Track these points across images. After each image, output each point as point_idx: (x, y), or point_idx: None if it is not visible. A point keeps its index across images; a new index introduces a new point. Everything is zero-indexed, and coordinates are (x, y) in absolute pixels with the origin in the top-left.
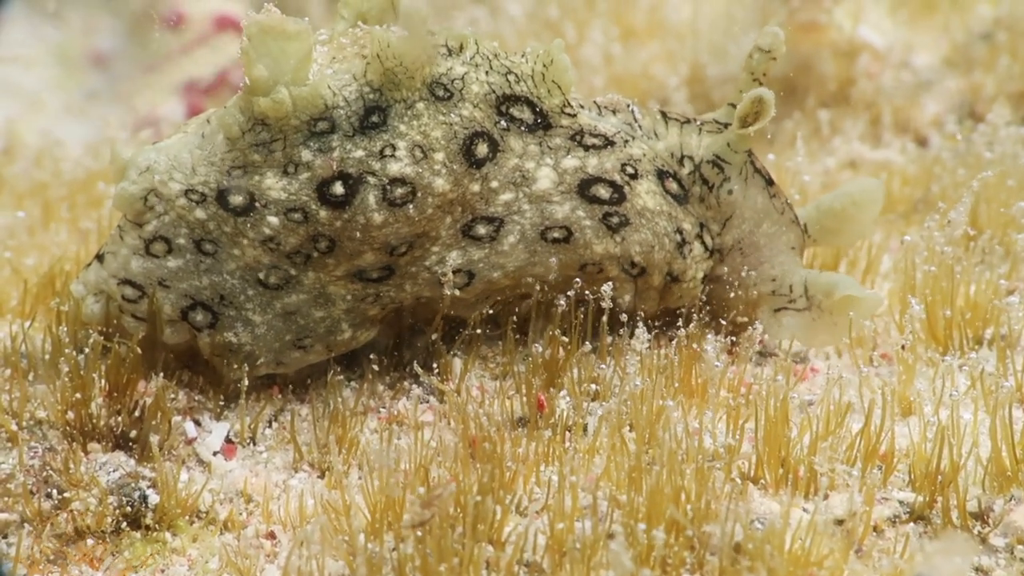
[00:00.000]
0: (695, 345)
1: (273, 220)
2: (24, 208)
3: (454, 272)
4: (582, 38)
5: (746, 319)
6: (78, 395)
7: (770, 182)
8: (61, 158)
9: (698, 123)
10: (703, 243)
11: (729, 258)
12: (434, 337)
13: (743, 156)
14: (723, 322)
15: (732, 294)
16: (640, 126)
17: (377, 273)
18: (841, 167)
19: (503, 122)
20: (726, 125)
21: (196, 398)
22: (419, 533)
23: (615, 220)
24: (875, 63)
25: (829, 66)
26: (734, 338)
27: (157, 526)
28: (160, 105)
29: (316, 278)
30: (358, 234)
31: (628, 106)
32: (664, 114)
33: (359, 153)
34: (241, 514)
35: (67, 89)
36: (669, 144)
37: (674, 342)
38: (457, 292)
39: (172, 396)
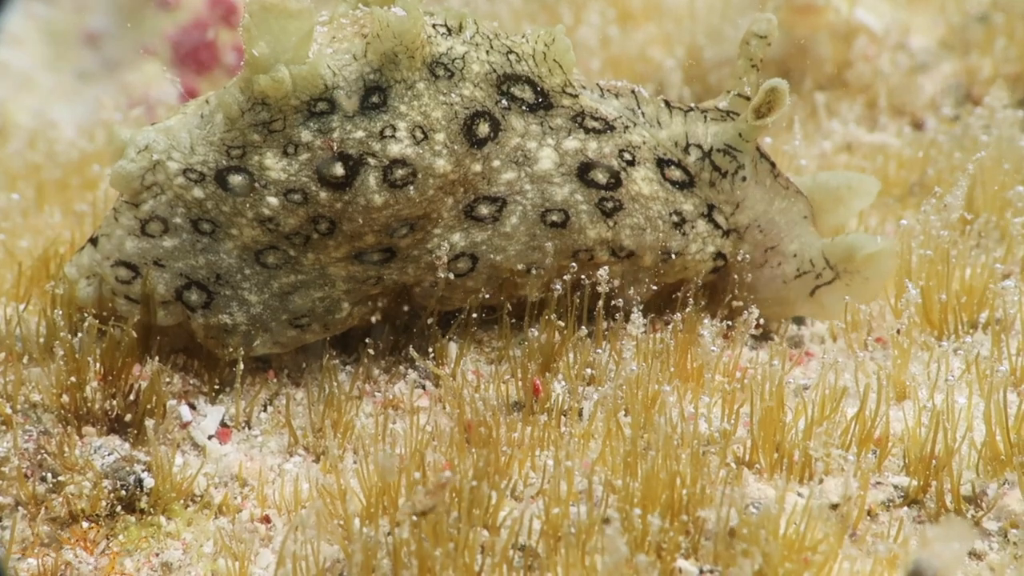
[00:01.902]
0: (693, 329)
1: (272, 200)
2: (17, 190)
3: (457, 257)
4: (579, 20)
5: (742, 303)
6: (73, 378)
7: (773, 164)
8: (55, 139)
9: (702, 111)
10: (711, 221)
11: (748, 235)
12: (430, 322)
13: (754, 144)
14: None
15: (762, 286)
16: (643, 113)
17: (378, 256)
18: (837, 150)
19: (504, 101)
20: (728, 113)
21: (191, 382)
22: (414, 516)
23: (609, 205)
24: (872, 45)
25: (826, 48)
26: (730, 322)
27: (152, 510)
28: (154, 86)
29: (315, 259)
30: (359, 216)
31: (632, 92)
32: (667, 103)
33: (359, 134)
34: (236, 498)
35: (58, 69)
36: (673, 133)
37: (670, 327)
38: (451, 276)
39: (167, 380)
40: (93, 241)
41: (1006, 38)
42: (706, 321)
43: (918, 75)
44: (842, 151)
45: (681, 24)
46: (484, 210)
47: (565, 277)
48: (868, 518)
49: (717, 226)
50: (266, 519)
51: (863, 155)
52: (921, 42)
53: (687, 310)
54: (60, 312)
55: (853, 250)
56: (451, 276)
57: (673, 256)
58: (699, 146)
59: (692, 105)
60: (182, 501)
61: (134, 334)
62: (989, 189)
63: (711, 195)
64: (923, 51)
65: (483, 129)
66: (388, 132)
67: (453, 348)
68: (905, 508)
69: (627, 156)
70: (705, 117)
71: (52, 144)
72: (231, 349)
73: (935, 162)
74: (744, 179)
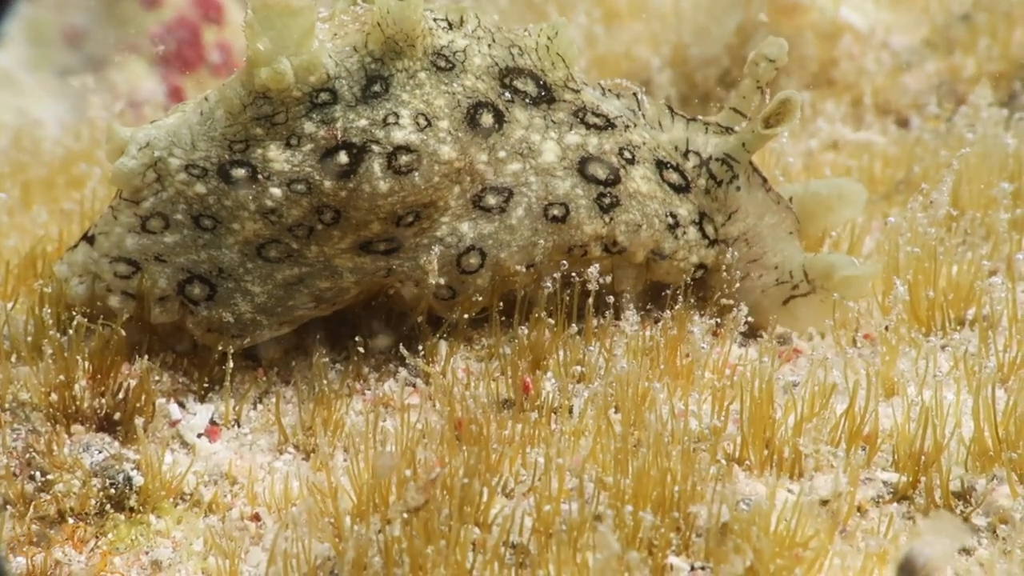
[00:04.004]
0: (682, 326)
1: (276, 192)
2: (3, 189)
3: (468, 251)
4: (565, 17)
5: (732, 302)
6: (61, 377)
7: (764, 179)
8: (40, 138)
9: (703, 123)
10: (701, 231)
11: (735, 247)
12: (419, 319)
13: (751, 155)
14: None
15: (741, 295)
16: (643, 114)
17: (384, 246)
18: (824, 148)
19: (507, 94)
20: (728, 129)
21: (180, 380)
22: (405, 514)
23: (607, 201)
24: (857, 44)
25: (811, 48)
26: (719, 319)
27: (141, 508)
28: (139, 84)
29: (319, 252)
30: (364, 203)
31: (634, 94)
32: (670, 108)
33: (362, 122)
34: (226, 496)
35: (41, 67)
36: (674, 137)
37: (659, 324)
38: (438, 281)
39: (156, 378)
40: (89, 239)
41: (989, 37)
42: (695, 318)
43: (902, 74)
44: (828, 149)
45: (667, 23)
46: (492, 200)
47: (555, 275)
48: (858, 514)
49: (705, 236)
50: (256, 517)
51: (849, 153)
52: (905, 41)
53: (676, 307)
54: (48, 310)
55: (833, 269)
56: (441, 281)
57: (663, 257)
58: (698, 153)
59: (695, 116)
60: (172, 499)
61: (123, 332)
62: (975, 187)
63: (705, 203)
64: (907, 50)
65: (487, 119)
66: (391, 119)
67: (443, 346)
68: (895, 504)
69: (627, 154)
70: (706, 128)
71: (37, 143)
72: (238, 341)
73: (921, 160)
74: (738, 188)
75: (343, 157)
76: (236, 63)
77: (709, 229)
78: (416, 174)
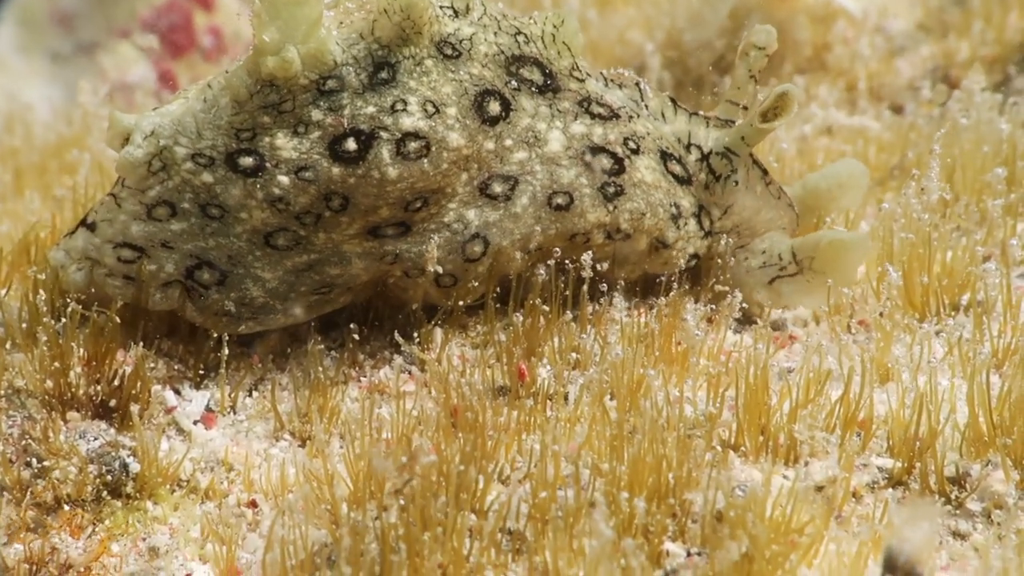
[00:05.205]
0: (677, 312)
1: (283, 179)
2: None
3: (472, 238)
4: (558, 4)
5: (726, 288)
6: (56, 364)
7: (765, 172)
8: (31, 123)
9: (704, 117)
10: (699, 223)
11: (728, 236)
12: (415, 307)
13: (751, 148)
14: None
15: (726, 276)
16: (647, 105)
17: (392, 230)
18: (818, 133)
19: (513, 82)
20: (727, 122)
21: (176, 367)
22: (401, 501)
23: (611, 190)
24: (851, 28)
25: (805, 32)
26: (713, 306)
27: (138, 495)
28: (129, 68)
29: (327, 238)
30: (373, 190)
31: (637, 84)
32: (673, 101)
33: (370, 109)
34: (222, 483)
35: (31, 51)
36: (677, 129)
37: (654, 310)
38: (437, 269)
39: (152, 365)
40: (89, 226)
41: (983, 21)
42: (689, 305)
43: (896, 58)
44: (822, 134)
45: (661, 7)
46: (498, 188)
47: (550, 262)
48: (853, 500)
49: (701, 228)
50: (253, 504)
51: (843, 138)
52: (899, 25)
53: (671, 294)
54: (43, 297)
55: (820, 238)
56: (440, 269)
57: (665, 246)
58: (699, 147)
59: (696, 111)
60: (168, 486)
61: (117, 319)
62: (969, 172)
63: (704, 197)
64: (901, 34)
65: (494, 107)
66: (399, 106)
67: (439, 333)
68: (890, 490)
69: (632, 144)
70: (707, 122)
71: (29, 127)
72: (249, 324)
73: (915, 146)
74: (736, 183)
75: (351, 144)
76: (227, 47)
77: (706, 222)
78: (425, 160)
